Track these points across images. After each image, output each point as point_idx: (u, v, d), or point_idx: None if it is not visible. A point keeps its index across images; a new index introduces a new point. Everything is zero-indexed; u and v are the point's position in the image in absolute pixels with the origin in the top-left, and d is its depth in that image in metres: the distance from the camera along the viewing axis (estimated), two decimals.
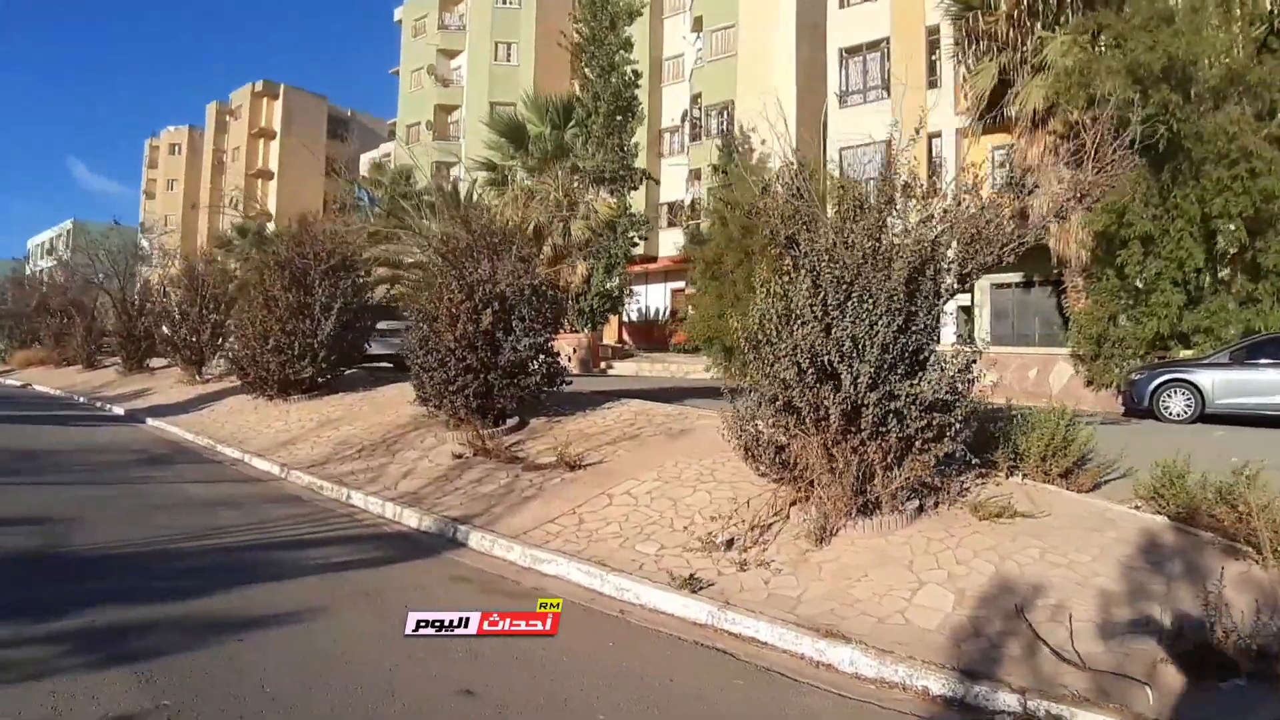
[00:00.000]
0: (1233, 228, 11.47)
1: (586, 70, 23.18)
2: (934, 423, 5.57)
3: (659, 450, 7.99)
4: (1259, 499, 4.87)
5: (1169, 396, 11.04)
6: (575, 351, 22.16)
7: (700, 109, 31.51)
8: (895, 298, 5.32)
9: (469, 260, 8.77)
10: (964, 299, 22.99)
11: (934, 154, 23.46)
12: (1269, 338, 11.00)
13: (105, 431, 12.99)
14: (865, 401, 5.38)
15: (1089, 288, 15.09)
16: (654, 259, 31.78)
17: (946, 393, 5.49)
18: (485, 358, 8.59)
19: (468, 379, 8.63)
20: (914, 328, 5.50)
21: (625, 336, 32.26)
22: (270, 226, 41.74)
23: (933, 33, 23.50)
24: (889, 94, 23.85)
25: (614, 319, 29.78)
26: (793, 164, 6.72)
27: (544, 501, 6.86)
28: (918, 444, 5.59)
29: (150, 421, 13.83)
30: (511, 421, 9.22)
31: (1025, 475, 6.44)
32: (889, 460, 5.58)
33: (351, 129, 56.28)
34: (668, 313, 32.73)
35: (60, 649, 3.83)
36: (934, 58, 23.57)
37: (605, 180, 22.18)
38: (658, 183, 23.76)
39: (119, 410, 16.07)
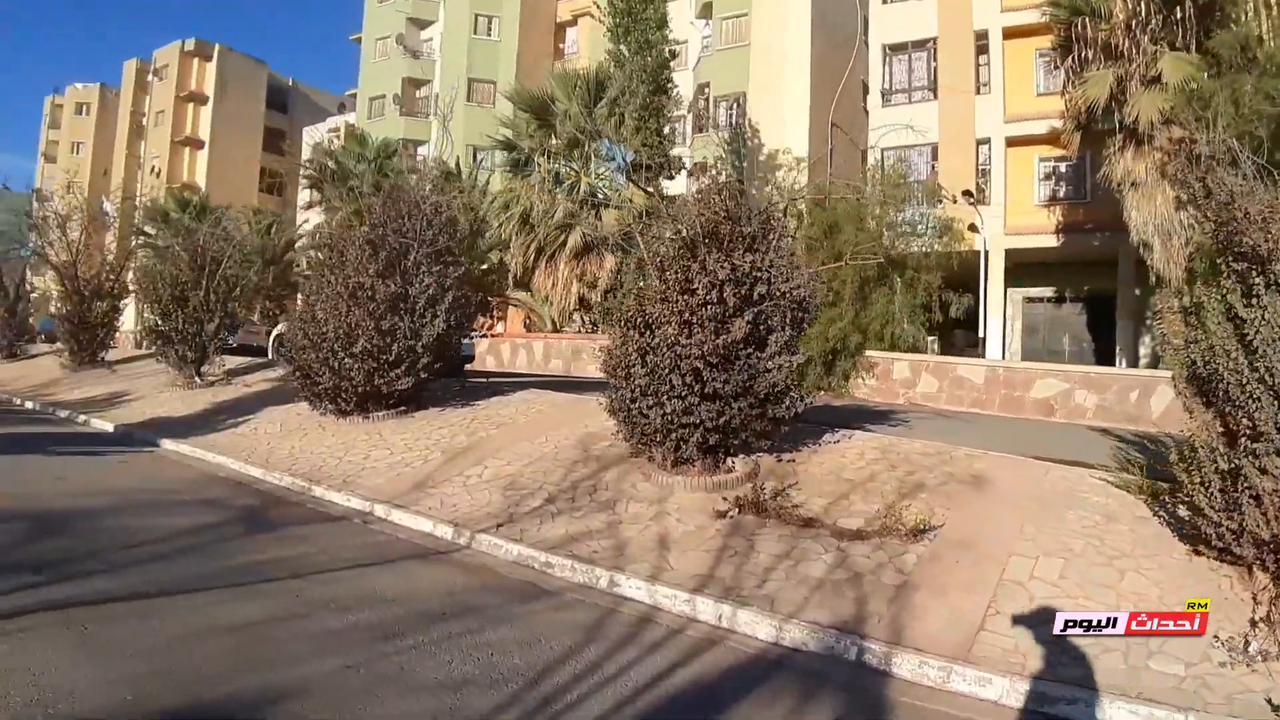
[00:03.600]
0: None
1: (622, 47, 21.06)
2: None
3: (979, 506, 6.19)
4: None
5: None
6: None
7: (708, 99, 29.82)
8: None
9: (719, 249, 6.65)
10: (995, 310, 22.15)
11: (980, 161, 22.59)
12: None
13: (114, 464, 8.96)
14: None
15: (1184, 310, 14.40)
16: None
17: None
18: (737, 380, 6.52)
19: (713, 408, 6.53)
20: None
21: None
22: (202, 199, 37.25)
23: (980, 37, 22.62)
24: (935, 95, 22.78)
25: None
26: None
27: (932, 594, 4.92)
28: None
29: (167, 444, 10.03)
30: (737, 462, 7.16)
31: None
32: None
33: (293, 100, 51.55)
34: None
35: None
36: (981, 62, 22.62)
37: (641, 167, 20.13)
38: (691, 174, 21.85)
39: (103, 425, 12.03)
